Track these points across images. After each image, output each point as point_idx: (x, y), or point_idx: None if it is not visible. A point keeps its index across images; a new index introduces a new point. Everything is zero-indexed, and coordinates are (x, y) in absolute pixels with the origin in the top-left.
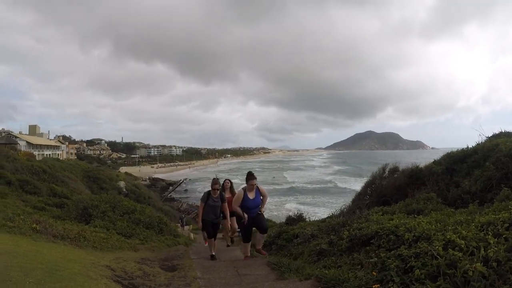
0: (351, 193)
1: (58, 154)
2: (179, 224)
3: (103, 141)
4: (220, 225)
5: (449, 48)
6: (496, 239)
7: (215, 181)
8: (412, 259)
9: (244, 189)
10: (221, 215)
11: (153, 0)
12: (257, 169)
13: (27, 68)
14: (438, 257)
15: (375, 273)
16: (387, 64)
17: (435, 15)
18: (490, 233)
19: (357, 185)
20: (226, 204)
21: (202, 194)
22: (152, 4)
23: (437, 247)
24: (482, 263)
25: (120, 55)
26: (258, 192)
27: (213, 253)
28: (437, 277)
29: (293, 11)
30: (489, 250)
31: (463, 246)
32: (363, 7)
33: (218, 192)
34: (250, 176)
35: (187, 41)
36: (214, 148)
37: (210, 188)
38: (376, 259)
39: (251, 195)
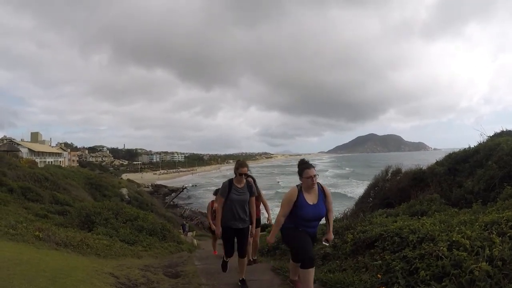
0: (342, 197)
1: (60, 161)
2: (181, 231)
3: (105, 148)
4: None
5: (451, 48)
6: (500, 238)
7: (241, 163)
8: (417, 260)
9: (299, 188)
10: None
11: (153, 5)
12: (259, 173)
13: (28, 74)
14: (443, 257)
15: (380, 276)
16: (388, 65)
17: (436, 14)
18: (494, 232)
19: (349, 189)
20: (254, 199)
21: (216, 189)
22: (152, 9)
23: (442, 247)
24: (487, 263)
25: (120, 61)
26: (322, 194)
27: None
28: (443, 277)
29: (293, 13)
30: (493, 249)
31: (467, 246)
32: (363, 7)
33: (245, 180)
34: (305, 165)
35: (187, 46)
36: (216, 154)
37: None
38: (380, 261)
39: (310, 198)
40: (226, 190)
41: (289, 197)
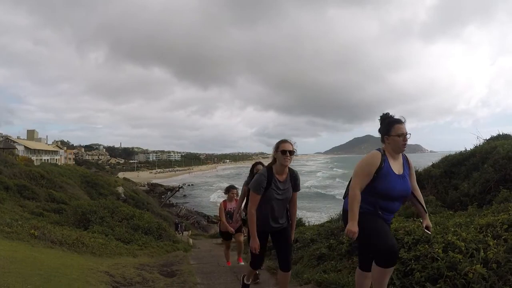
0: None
1: (56, 159)
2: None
3: (101, 146)
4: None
5: (449, 50)
6: (495, 241)
7: (283, 140)
8: (412, 262)
9: (383, 152)
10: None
11: (151, 3)
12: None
13: (24, 72)
14: (438, 259)
15: None
16: (386, 66)
17: (436, 16)
18: (489, 234)
19: (338, 191)
20: (296, 196)
21: (227, 186)
22: (149, 7)
23: (437, 249)
24: (482, 265)
25: (118, 59)
26: (407, 164)
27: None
28: (438, 279)
29: (291, 13)
30: (488, 252)
31: (463, 248)
32: (362, 7)
33: (288, 170)
34: (395, 119)
35: (184, 45)
36: (213, 154)
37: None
38: None
39: (396, 167)
40: (264, 184)
41: (371, 161)
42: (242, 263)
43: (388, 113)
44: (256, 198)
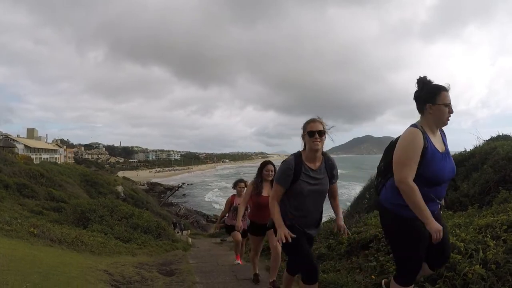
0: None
1: (56, 158)
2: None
3: (101, 145)
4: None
5: (449, 50)
6: (494, 242)
7: (312, 119)
8: None
9: (422, 129)
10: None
11: (151, 2)
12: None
13: (24, 70)
14: None
15: (374, 277)
16: (386, 66)
17: (435, 15)
18: (488, 235)
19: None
20: (336, 187)
21: (236, 180)
22: (149, 6)
23: None
24: (481, 266)
25: (117, 58)
26: (445, 137)
27: None
28: (436, 280)
29: (291, 13)
30: (488, 253)
31: (462, 248)
32: (362, 7)
33: (321, 156)
34: (438, 85)
35: (184, 44)
36: (212, 153)
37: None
38: (375, 262)
39: (438, 144)
40: (291, 174)
41: (416, 142)
42: (238, 262)
43: (426, 77)
44: (279, 191)
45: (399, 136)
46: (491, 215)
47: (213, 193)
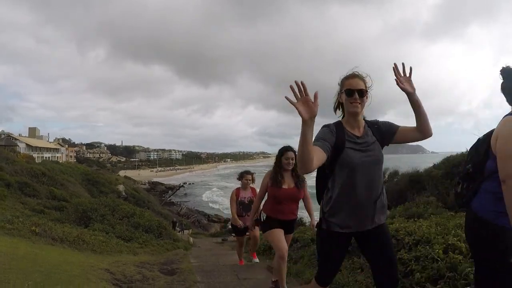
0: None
1: (57, 157)
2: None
3: (102, 145)
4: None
5: (451, 50)
6: None
7: (352, 79)
8: (413, 262)
9: None
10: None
11: (151, 1)
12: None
13: (25, 69)
14: (439, 260)
15: None
16: (388, 66)
17: (437, 15)
18: None
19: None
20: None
21: (241, 172)
22: (150, 5)
23: (438, 250)
24: None
25: (118, 57)
26: None
27: None
28: (438, 280)
29: (292, 11)
30: None
31: (463, 249)
32: (364, 6)
33: (363, 122)
34: None
35: (185, 43)
36: (214, 152)
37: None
38: None
39: None
40: (333, 139)
41: None
42: (257, 260)
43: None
44: (321, 154)
45: (491, 131)
46: None
47: (210, 192)
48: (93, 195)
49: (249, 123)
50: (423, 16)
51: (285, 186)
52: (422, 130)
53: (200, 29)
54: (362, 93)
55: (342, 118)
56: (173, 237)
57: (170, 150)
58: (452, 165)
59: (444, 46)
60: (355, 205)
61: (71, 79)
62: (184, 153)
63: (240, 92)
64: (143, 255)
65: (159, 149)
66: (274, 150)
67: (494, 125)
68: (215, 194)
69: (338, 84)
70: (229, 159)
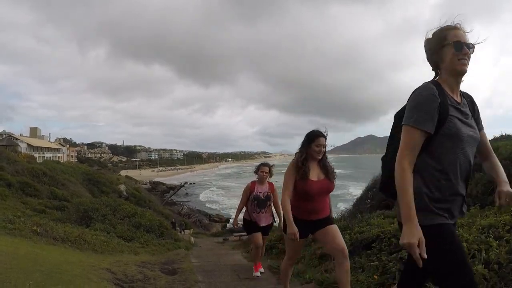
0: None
1: (58, 156)
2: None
3: (104, 144)
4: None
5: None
6: (497, 242)
7: (459, 31)
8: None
9: None
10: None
11: (152, 1)
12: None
13: (25, 69)
14: None
15: (376, 277)
16: (389, 66)
17: (439, 14)
18: (491, 235)
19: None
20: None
21: (259, 164)
22: (151, 5)
23: None
24: (483, 266)
25: (119, 56)
26: None
27: None
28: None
29: (293, 11)
30: (490, 253)
31: (464, 248)
32: (365, 5)
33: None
34: None
35: (185, 43)
36: (215, 152)
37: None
38: (377, 262)
39: None
40: (437, 110)
41: None
42: (260, 271)
43: None
44: (418, 143)
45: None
46: (493, 216)
47: (207, 192)
48: (94, 195)
49: (250, 123)
50: (425, 15)
51: (313, 178)
52: (482, 160)
53: (200, 29)
54: (471, 48)
55: (437, 78)
56: (174, 237)
57: (171, 150)
58: None
59: None
60: (456, 191)
61: (71, 78)
62: (185, 153)
63: (240, 92)
64: (144, 255)
65: (160, 149)
66: (275, 150)
67: (494, 125)
68: (209, 193)
69: (432, 36)
70: (230, 159)
